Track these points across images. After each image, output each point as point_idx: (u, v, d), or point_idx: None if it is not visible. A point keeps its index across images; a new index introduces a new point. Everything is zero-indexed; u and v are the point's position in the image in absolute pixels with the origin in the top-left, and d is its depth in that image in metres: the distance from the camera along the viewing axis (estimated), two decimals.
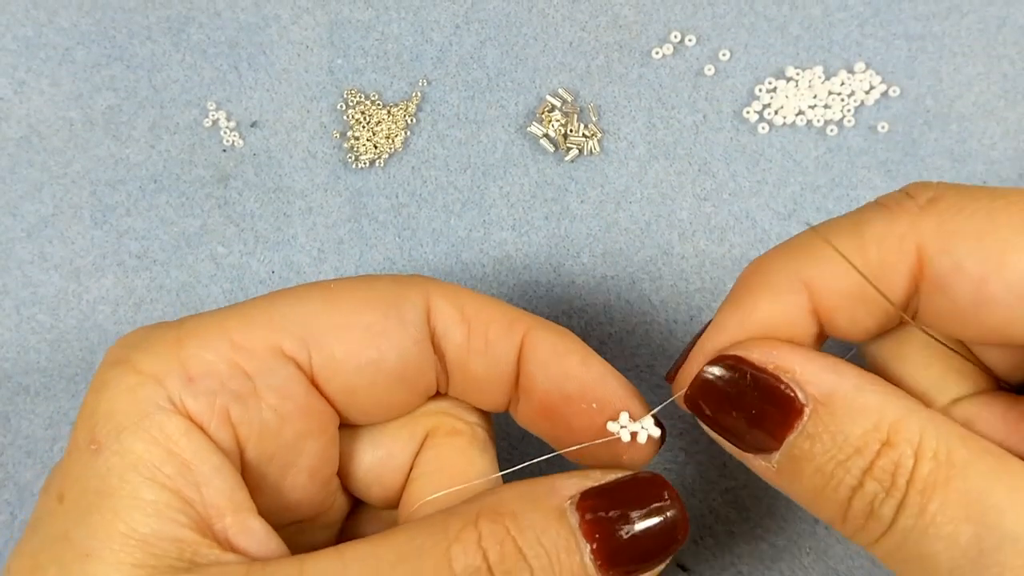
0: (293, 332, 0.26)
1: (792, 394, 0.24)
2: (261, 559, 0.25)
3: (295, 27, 0.38)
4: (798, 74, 0.37)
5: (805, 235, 0.26)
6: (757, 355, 0.25)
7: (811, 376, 0.24)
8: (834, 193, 0.37)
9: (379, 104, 0.38)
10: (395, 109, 0.38)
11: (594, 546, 0.24)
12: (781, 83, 0.37)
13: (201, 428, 0.25)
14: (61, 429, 0.36)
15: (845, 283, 0.25)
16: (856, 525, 0.23)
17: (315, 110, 0.38)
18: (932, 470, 0.22)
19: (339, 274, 0.37)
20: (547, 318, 0.37)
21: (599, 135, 0.37)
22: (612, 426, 0.27)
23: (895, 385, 0.25)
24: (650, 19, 0.38)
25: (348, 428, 0.30)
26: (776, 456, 0.24)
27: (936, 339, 0.26)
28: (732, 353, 0.25)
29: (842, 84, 0.37)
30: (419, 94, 0.38)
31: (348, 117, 0.38)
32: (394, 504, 0.29)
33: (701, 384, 0.25)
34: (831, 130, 0.37)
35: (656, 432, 0.27)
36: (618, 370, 0.29)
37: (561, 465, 0.27)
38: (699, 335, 0.27)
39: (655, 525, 0.25)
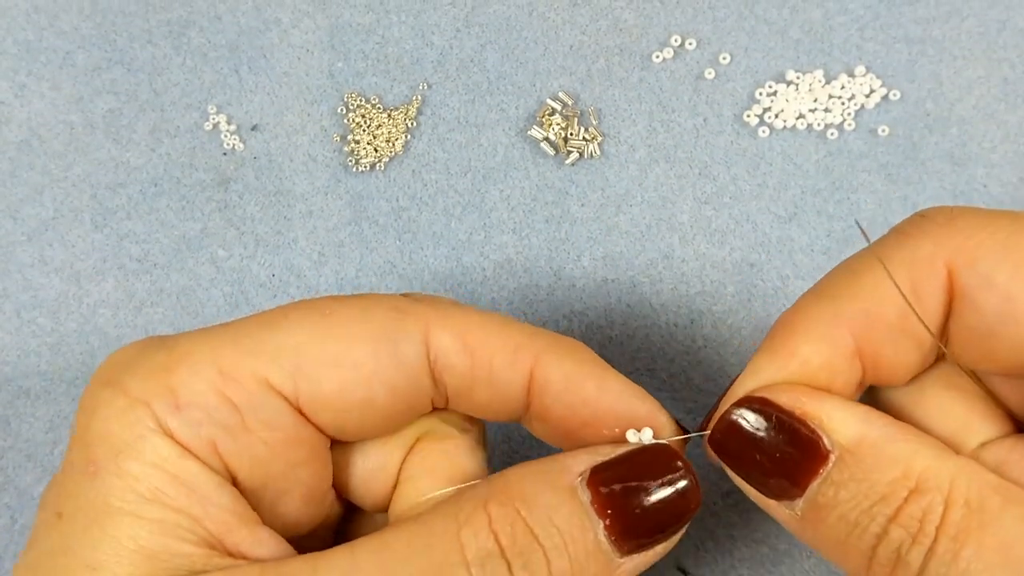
0: (282, 364, 0.25)
1: (818, 439, 0.24)
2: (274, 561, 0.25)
3: (295, 31, 0.38)
4: (798, 78, 0.37)
5: (842, 275, 0.26)
6: (785, 399, 0.24)
7: (839, 423, 0.24)
8: (835, 196, 0.37)
9: (379, 108, 0.38)
10: (395, 112, 0.38)
11: (607, 522, 0.24)
12: (781, 87, 0.37)
13: (195, 454, 0.25)
14: (61, 432, 0.36)
15: (887, 320, 0.25)
16: (882, 575, 0.23)
17: (315, 113, 0.38)
18: (964, 516, 0.22)
19: (339, 278, 0.37)
20: (547, 321, 0.37)
21: (599, 139, 0.37)
22: (631, 436, 0.26)
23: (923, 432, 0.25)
24: (650, 23, 0.38)
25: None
26: (800, 503, 0.24)
27: (966, 371, 0.26)
28: (759, 396, 0.25)
29: (842, 88, 0.37)
30: (419, 97, 0.38)
31: (348, 121, 0.38)
32: (385, 508, 0.29)
33: (726, 426, 0.25)
34: (831, 134, 0.37)
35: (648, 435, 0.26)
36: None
37: None
38: (734, 381, 0.26)
39: (668, 496, 0.24)
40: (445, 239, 0.37)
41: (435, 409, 0.28)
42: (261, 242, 0.37)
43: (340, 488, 0.29)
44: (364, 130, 0.38)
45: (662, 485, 0.25)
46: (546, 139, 0.37)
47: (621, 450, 0.25)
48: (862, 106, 0.37)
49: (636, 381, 0.30)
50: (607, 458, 0.25)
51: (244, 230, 0.37)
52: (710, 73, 0.37)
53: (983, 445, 0.26)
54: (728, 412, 0.25)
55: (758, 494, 0.25)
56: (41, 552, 0.24)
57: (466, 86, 0.38)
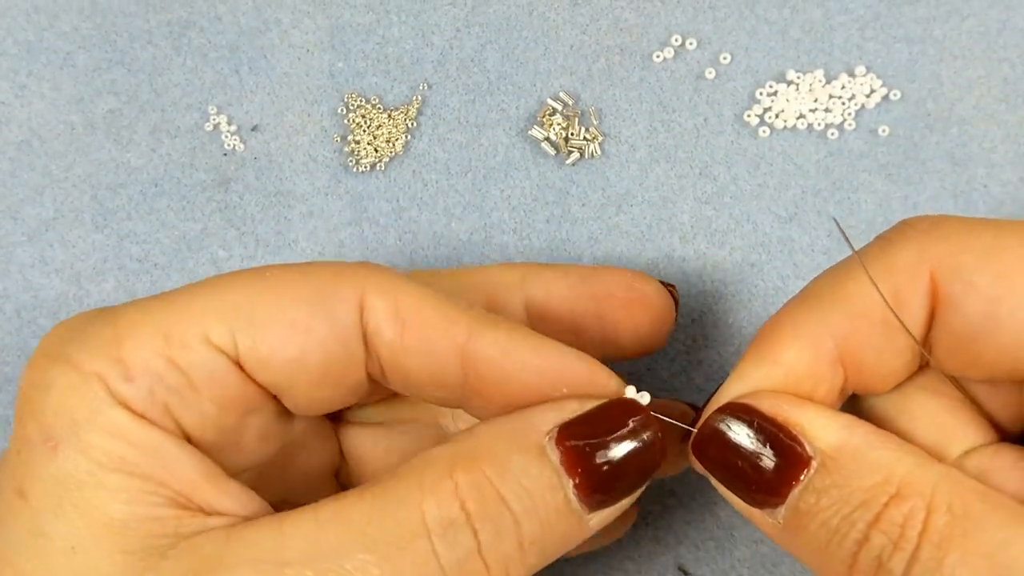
0: (222, 323, 0.25)
1: (799, 446, 0.24)
2: (243, 517, 0.25)
3: (296, 31, 0.38)
4: (799, 77, 0.37)
5: (826, 282, 0.26)
6: (767, 406, 0.25)
7: (820, 430, 0.24)
8: (835, 197, 0.37)
9: (380, 108, 0.38)
10: (396, 113, 0.38)
11: (577, 480, 0.24)
12: (782, 87, 0.37)
13: (151, 419, 0.25)
14: None
15: (870, 326, 0.25)
16: None
17: (316, 114, 0.38)
18: (948, 523, 0.22)
19: None
20: None
21: (600, 138, 0.37)
22: (630, 392, 0.26)
23: (903, 440, 0.25)
24: (651, 23, 0.38)
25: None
26: (781, 511, 0.24)
27: (949, 378, 0.26)
28: (741, 403, 0.25)
29: (843, 87, 0.37)
30: (420, 98, 0.38)
31: (349, 121, 0.38)
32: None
33: (708, 433, 0.25)
34: (832, 133, 0.37)
35: (646, 398, 0.26)
36: (618, 373, 0.29)
37: None
38: (719, 387, 0.26)
39: (635, 449, 0.25)
40: (446, 239, 0.37)
41: (372, 381, 0.27)
42: (261, 242, 0.37)
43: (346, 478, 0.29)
44: (364, 130, 0.38)
45: (629, 439, 0.25)
46: (547, 139, 0.37)
47: (588, 406, 0.25)
48: (862, 106, 0.37)
49: (637, 381, 0.30)
50: (574, 415, 0.25)
51: (244, 230, 0.37)
52: (710, 73, 0.37)
53: (966, 453, 0.26)
54: (710, 419, 0.25)
55: (740, 502, 0.25)
56: (11, 535, 0.24)
57: (466, 86, 0.38)
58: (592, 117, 0.37)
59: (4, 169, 0.38)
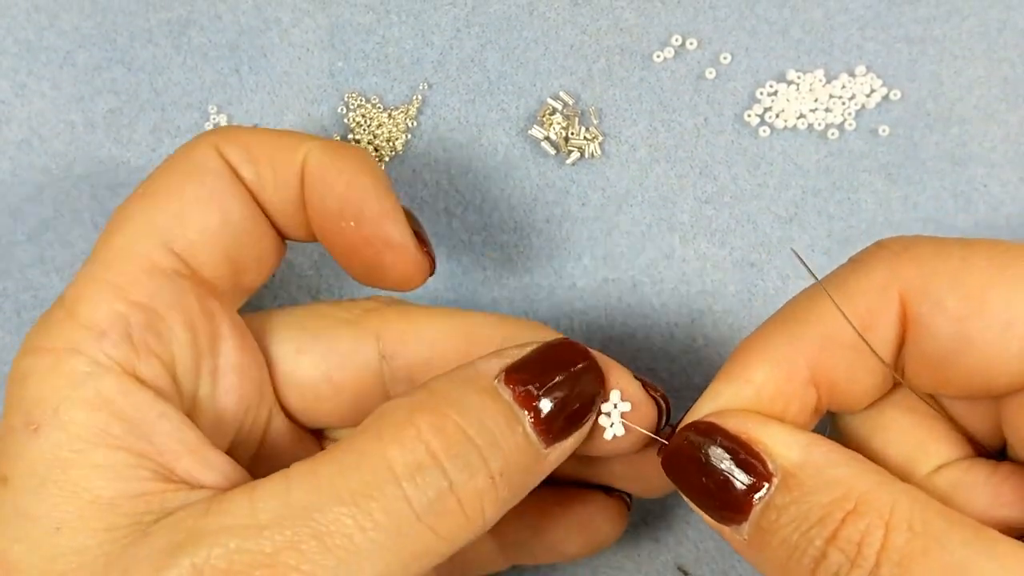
0: (156, 244, 0.27)
1: (760, 463, 0.24)
2: (225, 488, 0.25)
3: (296, 30, 0.38)
4: (799, 77, 0.37)
5: (799, 304, 0.26)
6: (732, 424, 0.25)
7: (783, 447, 0.24)
8: (835, 197, 0.37)
9: (380, 107, 0.38)
10: (396, 112, 0.38)
11: (531, 414, 0.25)
12: (782, 86, 0.37)
13: (134, 375, 0.25)
14: None
15: (841, 346, 0.25)
16: None
17: (316, 113, 0.38)
18: (908, 540, 0.22)
19: (339, 276, 0.37)
20: (548, 320, 0.37)
21: (600, 138, 0.37)
22: (611, 403, 0.27)
23: (877, 456, 0.25)
24: (651, 23, 0.38)
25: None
26: (745, 527, 0.24)
27: (922, 397, 0.27)
28: (707, 420, 0.25)
29: (843, 87, 0.37)
30: (420, 97, 0.38)
31: (349, 120, 0.38)
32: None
33: (675, 449, 0.26)
34: (832, 133, 0.37)
35: (626, 406, 0.27)
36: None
37: None
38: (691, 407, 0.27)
39: (578, 384, 0.26)
40: (445, 238, 0.37)
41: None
42: None
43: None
44: (364, 130, 0.38)
45: (573, 375, 0.26)
46: (547, 139, 0.37)
47: (528, 348, 0.26)
48: (863, 106, 0.37)
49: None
50: (516, 359, 0.26)
51: None
52: (711, 73, 0.37)
53: (939, 468, 0.27)
54: (678, 436, 0.26)
55: (706, 516, 0.25)
56: None
57: (466, 86, 0.38)
58: (592, 117, 0.37)
59: (4, 168, 0.38)
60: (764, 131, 0.37)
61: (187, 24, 0.38)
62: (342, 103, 0.38)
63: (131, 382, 0.25)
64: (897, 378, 0.26)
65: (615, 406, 0.27)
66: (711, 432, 0.25)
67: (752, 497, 0.24)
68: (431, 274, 0.30)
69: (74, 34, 0.38)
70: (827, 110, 0.37)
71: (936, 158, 0.37)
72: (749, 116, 0.37)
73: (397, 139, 0.38)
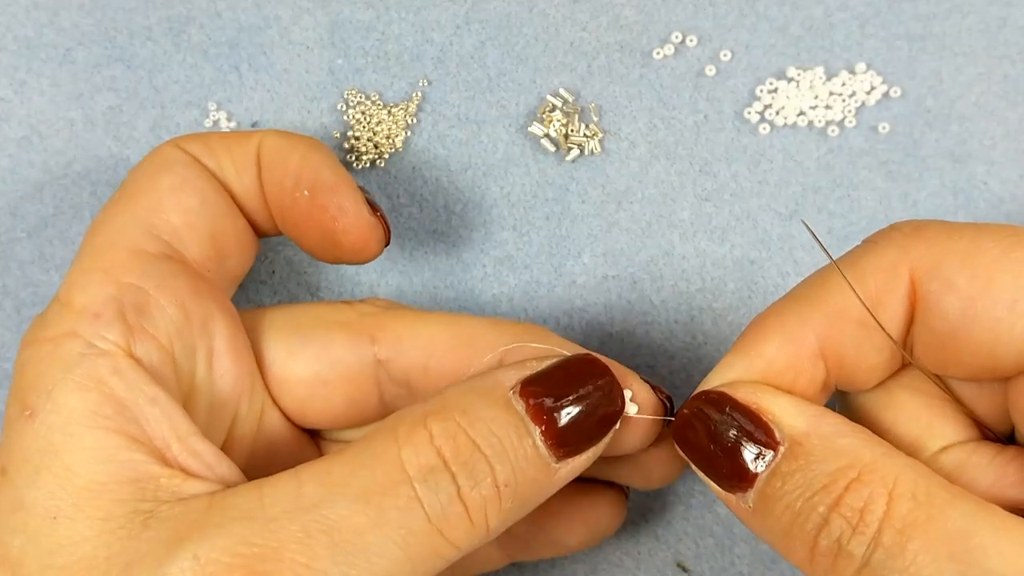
0: (141, 231, 0.28)
1: (768, 431, 0.25)
2: (212, 480, 0.25)
3: (295, 28, 0.38)
4: (799, 75, 0.37)
5: (812, 282, 0.27)
6: (742, 394, 0.25)
7: (791, 417, 0.25)
8: (835, 194, 0.37)
9: (379, 104, 0.38)
10: (395, 109, 0.38)
11: (543, 428, 0.25)
12: (782, 84, 0.37)
13: (130, 355, 0.25)
14: None
15: (851, 323, 0.26)
16: (824, 565, 0.23)
17: (315, 110, 0.38)
18: (912, 510, 0.22)
19: (339, 274, 0.37)
20: (548, 317, 0.37)
21: (600, 135, 0.37)
22: (629, 408, 0.27)
23: (884, 435, 0.25)
24: (651, 19, 0.38)
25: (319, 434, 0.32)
26: (751, 495, 0.25)
27: (929, 376, 0.27)
28: (718, 390, 0.26)
29: (843, 85, 0.37)
30: (419, 94, 0.38)
31: (349, 117, 0.38)
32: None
33: (686, 417, 0.26)
34: (832, 131, 0.37)
35: (633, 408, 0.28)
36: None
37: None
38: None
39: (595, 402, 0.26)
40: (445, 235, 0.37)
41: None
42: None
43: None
44: (364, 127, 0.38)
45: (591, 393, 0.26)
46: (546, 136, 0.37)
47: (547, 362, 0.26)
48: (863, 103, 0.37)
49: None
50: (535, 371, 0.26)
51: None
52: (711, 70, 0.37)
53: (945, 448, 0.27)
54: (688, 405, 0.26)
55: (716, 487, 0.26)
56: None
57: (466, 83, 0.38)
58: (592, 114, 0.37)
59: (4, 165, 0.38)
60: (764, 128, 0.37)
61: (187, 21, 0.38)
62: (342, 100, 0.38)
63: (126, 363, 0.25)
64: (905, 356, 0.26)
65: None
66: (722, 401, 0.25)
67: (759, 464, 0.24)
68: (386, 243, 0.31)
69: (74, 31, 0.38)
70: (827, 107, 0.37)
71: (936, 155, 0.37)
72: (749, 113, 0.37)
73: (397, 136, 0.37)
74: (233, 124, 0.38)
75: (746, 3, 0.38)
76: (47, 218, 0.37)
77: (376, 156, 0.37)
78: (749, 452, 0.25)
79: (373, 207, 0.30)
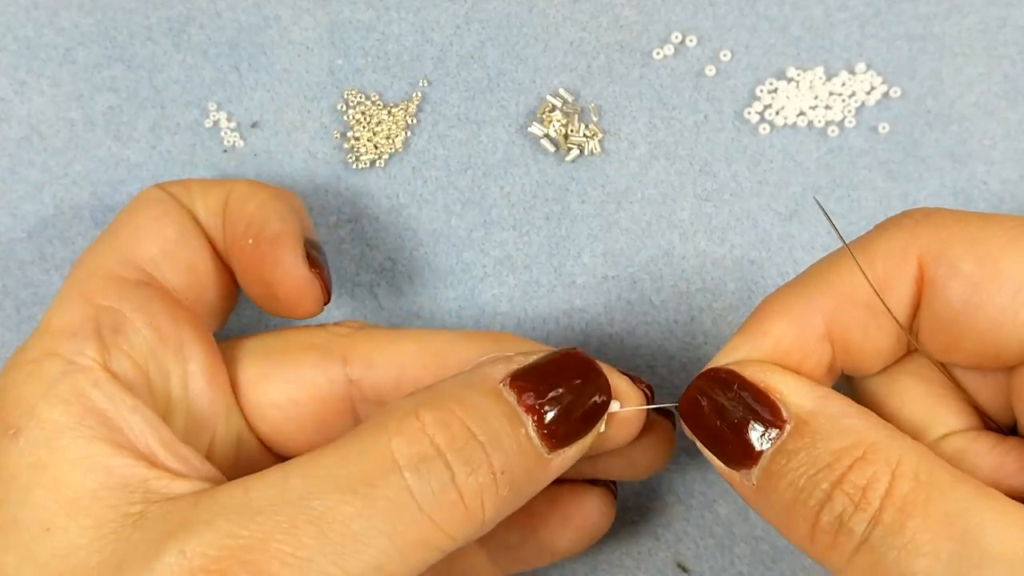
0: (120, 260, 0.29)
1: (775, 408, 0.25)
2: (199, 480, 0.25)
3: (296, 28, 0.38)
4: (799, 75, 0.37)
5: (821, 265, 0.27)
6: (749, 372, 0.26)
7: (798, 396, 0.25)
8: (835, 194, 0.37)
9: (379, 104, 0.38)
10: (395, 109, 0.38)
11: (535, 418, 0.25)
12: (782, 84, 0.37)
13: (106, 369, 0.26)
14: None
15: (858, 305, 0.26)
16: (825, 542, 0.23)
17: (315, 111, 0.38)
18: (913, 489, 0.23)
19: (339, 275, 0.37)
20: (547, 318, 0.37)
21: (600, 135, 0.37)
22: (614, 406, 0.28)
23: (888, 420, 0.26)
24: (651, 19, 0.38)
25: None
26: (755, 472, 0.25)
27: (933, 361, 0.27)
28: (726, 368, 0.26)
29: (843, 85, 0.37)
30: (419, 94, 0.38)
31: (348, 117, 0.38)
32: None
33: (693, 394, 0.27)
34: (832, 131, 0.37)
35: (616, 406, 0.28)
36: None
37: None
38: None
39: (584, 394, 0.26)
40: (445, 236, 0.37)
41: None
42: None
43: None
44: (364, 127, 0.38)
45: (578, 386, 0.26)
46: (546, 136, 0.37)
47: (534, 357, 0.27)
48: (863, 103, 0.37)
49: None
50: (522, 365, 0.26)
51: None
52: (711, 70, 0.37)
53: (946, 435, 0.27)
54: (696, 383, 0.27)
55: (720, 464, 0.26)
56: None
57: (466, 83, 0.38)
58: (592, 114, 0.37)
59: (4, 165, 0.38)
60: (764, 128, 0.37)
61: (187, 21, 0.38)
62: (342, 100, 0.38)
63: (104, 377, 0.26)
64: (911, 340, 0.27)
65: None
66: (729, 379, 0.26)
67: (764, 442, 0.25)
68: (326, 302, 0.31)
69: (74, 32, 0.38)
70: (827, 107, 0.37)
71: (936, 155, 0.37)
72: (749, 113, 0.37)
73: (397, 136, 0.37)
74: (233, 124, 0.38)
75: (746, 3, 0.38)
76: (47, 218, 0.37)
77: (376, 156, 0.37)
78: (755, 430, 0.25)
79: (315, 263, 0.30)
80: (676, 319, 0.37)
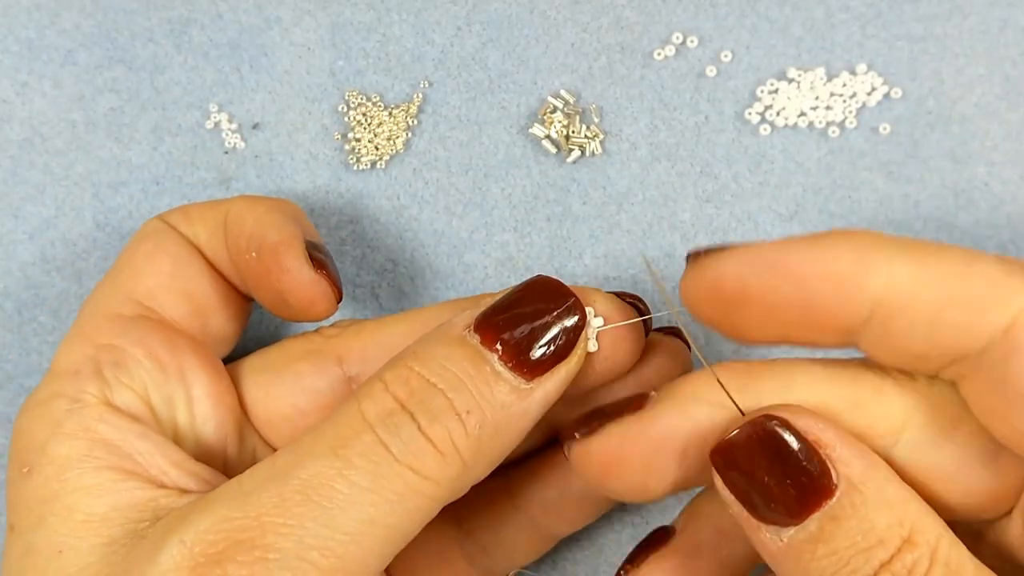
0: (120, 298, 0.30)
1: (828, 471, 0.23)
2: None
3: (297, 29, 0.38)
4: (800, 75, 0.37)
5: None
6: (803, 423, 0.24)
7: (848, 457, 0.23)
8: (836, 195, 0.37)
9: (380, 106, 0.38)
10: (396, 111, 0.38)
11: (499, 351, 0.25)
12: (783, 84, 0.37)
13: (109, 404, 0.27)
14: None
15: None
16: None
17: (316, 112, 0.38)
18: None
19: (342, 278, 0.37)
20: None
21: (601, 136, 0.37)
22: (593, 320, 0.27)
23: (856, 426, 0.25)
24: (652, 20, 0.38)
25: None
26: (790, 531, 0.23)
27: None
28: (780, 415, 0.24)
29: (844, 85, 0.37)
30: (420, 96, 0.38)
31: (349, 119, 0.38)
32: None
33: (736, 440, 0.24)
34: (833, 132, 0.37)
35: (599, 321, 0.27)
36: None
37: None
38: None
39: (551, 317, 0.26)
40: (446, 237, 0.37)
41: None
42: None
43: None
44: (365, 128, 0.38)
45: (545, 308, 0.26)
46: (547, 137, 0.37)
47: (501, 294, 0.27)
48: (864, 104, 0.37)
49: None
50: (488, 305, 0.26)
51: None
52: (711, 71, 0.37)
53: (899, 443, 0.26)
54: (749, 425, 0.24)
55: (745, 513, 0.24)
56: (8, 567, 0.26)
57: (467, 84, 0.38)
58: (593, 115, 0.37)
59: (5, 167, 0.38)
60: (765, 129, 0.37)
61: (188, 23, 0.38)
62: (343, 101, 0.38)
63: (109, 411, 0.27)
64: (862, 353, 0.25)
65: (588, 324, 0.27)
66: (785, 427, 0.23)
67: (813, 505, 0.23)
68: (338, 300, 0.31)
69: (75, 33, 0.38)
70: (828, 108, 0.37)
71: (937, 156, 0.37)
72: (750, 114, 0.37)
73: (398, 137, 0.38)
74: (234, 125, 0.38)
75: (747, 4, 0.38)
76: (49, 220, 0.37)
77: (377, 158, 0.37)
78: (803, 488, 0.23)
79: (320, 264, 0.30)
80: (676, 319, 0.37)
